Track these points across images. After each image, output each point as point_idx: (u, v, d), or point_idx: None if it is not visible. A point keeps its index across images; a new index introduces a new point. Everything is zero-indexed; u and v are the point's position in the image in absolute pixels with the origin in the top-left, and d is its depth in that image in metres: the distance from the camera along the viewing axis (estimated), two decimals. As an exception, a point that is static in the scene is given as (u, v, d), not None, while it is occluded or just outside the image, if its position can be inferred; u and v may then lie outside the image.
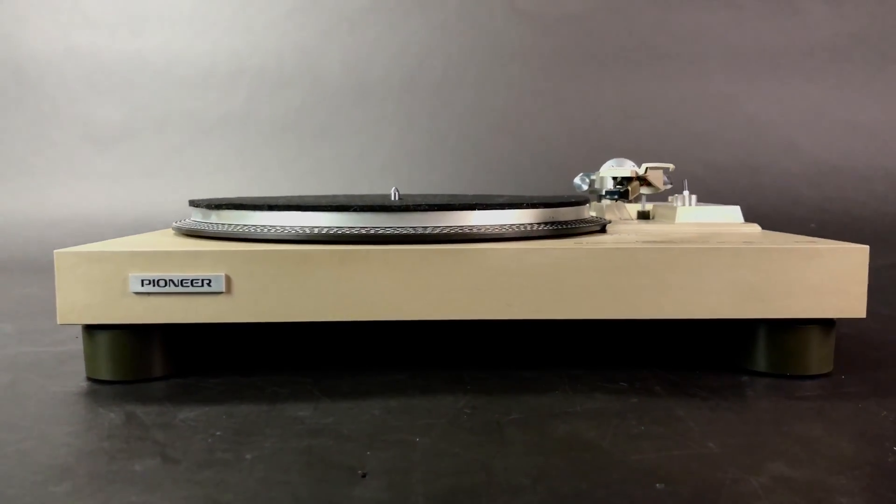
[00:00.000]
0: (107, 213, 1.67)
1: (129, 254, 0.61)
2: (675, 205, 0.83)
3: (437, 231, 0.66)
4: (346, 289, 0.62)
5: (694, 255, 0.63)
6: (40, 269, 1.35)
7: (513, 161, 1.77)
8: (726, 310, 0.64)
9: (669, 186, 0.82)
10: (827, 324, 0.65)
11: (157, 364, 0.65)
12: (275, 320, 0.62)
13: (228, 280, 0.62)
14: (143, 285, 0.61)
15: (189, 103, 1.81)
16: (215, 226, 0.70)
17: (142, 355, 0.64)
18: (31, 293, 1.14)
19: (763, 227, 0.80)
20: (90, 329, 0.64)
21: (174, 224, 0.77)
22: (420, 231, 0.65)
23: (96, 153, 1.79)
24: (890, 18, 1.78)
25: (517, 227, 0.68)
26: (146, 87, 1.81)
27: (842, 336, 0.80)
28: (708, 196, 1.17)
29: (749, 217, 0.82)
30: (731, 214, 0.81)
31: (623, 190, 0.79)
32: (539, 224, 0.70)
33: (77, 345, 0.77)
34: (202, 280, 0.62)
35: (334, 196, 0.91)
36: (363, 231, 0.65)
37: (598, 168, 0.89)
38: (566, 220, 0.74)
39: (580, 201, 0.78)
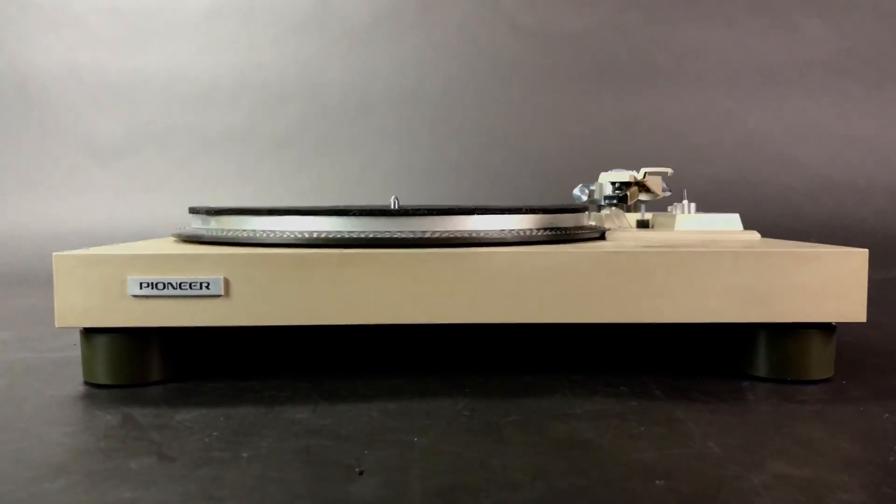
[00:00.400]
0: (108, 227, 1.67)
1: (127, 256, 0.61)
2: (674, 213, 0.83)
3: (437, 236, 0.65)
4: (345, 293, 0.62)
5: (694, 259, 0.63)
6: (41, 282, 1.35)
7: (513, 176, 1.77)
8: (726, 314, 0.63)
9: (668, 194, 0.82)
10: (827, 328, 0.65)
11: (154, 368, 0.65)
12: (273, 324, 0.62)
13: (227, 283, 0.62)
14: (141, 288, 0.61)
15: (191, 118, 1.82)
16: (215, 231, 0.70)
17: (139, 359, 0.64)
18: (31, 303, 1.14)
19: (763, 237, 0.79)
20: (88, 333, 0.63)
21: (174, 232, 0.77)
22: (419, 235, 0.65)
23: (98, 168, 1.79)
24: (887, 35, 1.79)
25: (516, 233, 0.68)
26: (148, 102, 1.82)
27: (843, 344, 0.79)
28: (708, 211, 1.17)
29: (749, 230, 0.82)
30: (730, 222, 0.81)
31: (622, 195, 0.79)
32: (538, 230, 0.70)
33: (75, 351, 0.77)
34: (200, 283, 0.61)
35: (334, 206, 0.91)
36: (362, 235, 0.65)
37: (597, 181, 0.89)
38: (565, 226, 0.74)
39: (579, 209, 0.78)
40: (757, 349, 0.66)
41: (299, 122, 1.82)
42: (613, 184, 0.79)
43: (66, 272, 0.61)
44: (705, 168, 1.74)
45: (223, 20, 1.85)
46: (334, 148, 1.80)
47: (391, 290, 0.62)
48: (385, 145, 1.81)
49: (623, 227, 0.86)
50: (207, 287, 0.61)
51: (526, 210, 0.71)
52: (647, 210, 0.90)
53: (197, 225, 0.76)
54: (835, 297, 0.63)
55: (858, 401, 0.59)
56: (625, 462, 0.46)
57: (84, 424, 0.54)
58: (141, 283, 0.61)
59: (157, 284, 0.61)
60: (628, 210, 0.91)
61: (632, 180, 0.78)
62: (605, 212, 0.88)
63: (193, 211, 0.77)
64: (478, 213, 0.68)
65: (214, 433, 0.51)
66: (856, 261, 0.63)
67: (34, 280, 1.40)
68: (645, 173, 0.77)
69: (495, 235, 0.67)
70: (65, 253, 0.62)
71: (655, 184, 0.78)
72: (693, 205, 0.83)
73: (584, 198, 0.93)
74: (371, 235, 0.65)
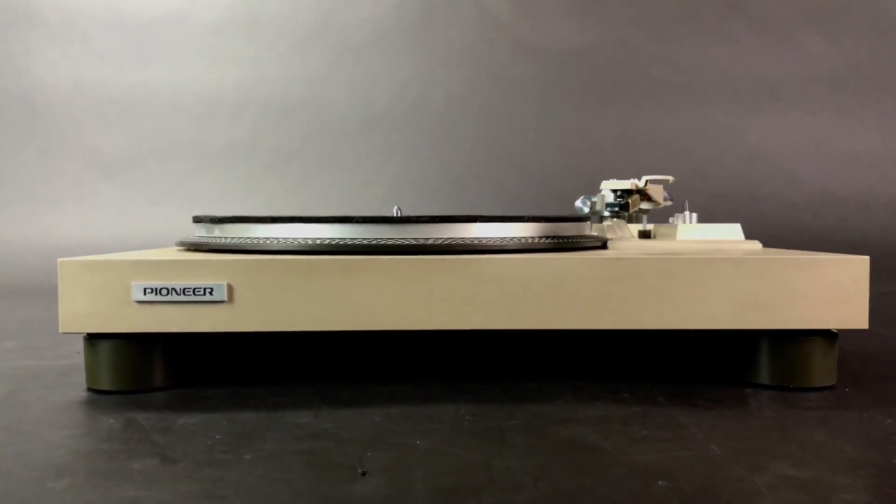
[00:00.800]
0: (112, 241, 1.67)
1: (131, 262, 0.62)
2: (676, 224, 0.83)
3: (439, 243, 0.66)
4: (348, 299, 0.62)
5: (695, 266, 0.63)
6: (45, 294, 1.35)
7: (515, 190, 1.78)
8: (728, 320, 0.63)
9: (670, 203, 0.83)
10: (830, 336, 0.65)
11: (157, 374, 0.65)
12: (276, 330, 0.62)
13: (230, 289, 0.62)
14: (145, 294, 0.61)
15: (195, 133, 1.83)
16: (219, 239, 0.71)
17: (143, 365, 0.64)
18: (35, 315, 1.14)
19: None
20: (92, 338, 0.64)
21: (178, 240, 0.77)
22: (422, 242, 0.65)
23: (103, 182, 1.80)
24: (886, 51, 1.80)
25: (518, 240, 0.68)
26: (153, 117, 1.83)
27: (845, 353, 0.79)
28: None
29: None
30: (731, 232, 0.81)
31: (623, 202, 0.79)
32: (540, 238, 0.70)
33: (78, 359, 0.77)
34: (204, 289, 0.62)
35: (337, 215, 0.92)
36: (365, 242, 0.65)
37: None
38: (567, 234, 0.74)
39: (581, 219, 0.79)
40: (759, 357, 0.66)
41: (303, 136, 1.83)
42: (615, 192, 0.80)
43: (70, 278, 0.61)
44: (706, 183, 1.75)
45: (228, 36, 1.86)
46: (338, 162, 1.81)
47: (394, 296, 0.62)
48: (388, 160, 1.82)
49: (625, 237, 0.86)
50: (211, 293, 0.62)
51: (528, 218, 0.71)
52: (649, 221, 0.90)
53: (201, 233, 0.76)
54: (836, 304, 0.63)
55: (861, 407, 0.59)
56: (627, 463, 0.46)
57: (87, 428, 0.54)
58: (145, 289, 0.61)
59: (160, 290, 0.61)
60: (630, 220, 0.91)
61: (633, 188, 0.78)
62: (607, 223, 0.89)
63: (197, 220, 0.78)
64: (480, 221, 0.68)
65: (217, 436, 0.51)
66: (857, 268, 0.64)
67: (38, 292, 1.40)
68: (646, 181, 0.77)
69: (497, 243, 0.67)
70: (70, 259, 0.62)
71: (657, 192, 0.79)
72: (695, 215, 0.84)
73: (587, 210, 0.93)
74: (374, 242, 0.65)
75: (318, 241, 0.66)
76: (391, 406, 0.59)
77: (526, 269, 0.63)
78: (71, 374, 0.71)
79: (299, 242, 0.66)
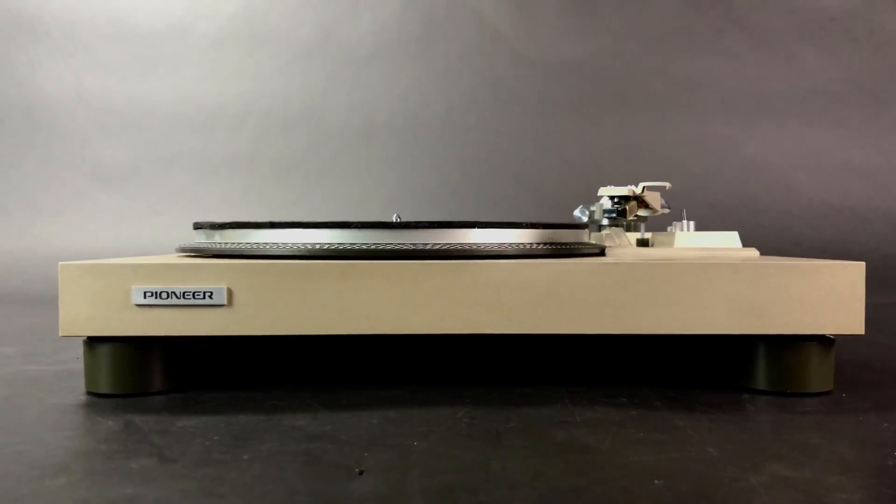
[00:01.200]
0: (112, 250, 1.68)
1: (131, 266, 0.62)
2: (674, 232, 0.83)
3: (438, 248, 0.66)
4: (347, 303, 0.62)
5: (692, 271, 0.64)
6: (45, 302, 1.36)
7: (513, 200, 1.79)
8: (724, 326, 0.64)
9: (667, 210, 0.83)
10: (826, 341, 0.65)
11: (156, 378, 0.65)
12: (276, 333, 0.63)
13: (230, 293, 0.62)
14: (145, 297, 0.62)
15: (196, 144, 1.84)
16: (219, 245, 0.71)
17: (142, 369, 0.64)
18: (35, 322, 1.15)
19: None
20: (91, 342, 0.64)
21: (179, 246, 0.78)
22: (420, 247, 0.66)
23: (104, 192, 1.81)
24: (883, 64, 1.82)
25: (516, 246, 0.69)
26: (154, 128, 1.84)
27: (842, 360, 0.80)
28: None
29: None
30: (729, 240, 0.82)
31: (621, 209, 0.80)
32: (538, 244, 0.71)
33: (77, 364, 0.77)
34: (204, 293, 0.62)
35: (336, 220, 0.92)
36: (364, 246, 0.65)
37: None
38: (565, 241, 0.74)
39: (579, 226, 0.79)
40: (756, 362, 0.66)
41: (303, 148, 1.84)
42: (612, 198, 0.80)
43: (70, 281, 0.62)
44: (704, 194, 1.75)
45: (229, 48, 1.88)
46: (337, 173, 1.82)
47: (392, 300, 0.62)
48: (387, 171, 1.83)
49: (623, 245, 0.87)
50: (210, 297, 0.62)
51: (526, 225, 0.72)
52: (647, 230, 0.91)
53: (201, 240, 0.77)
54: (833, 309, 0.64)
55: (857, 412, 0.59)
56: (623, 464, 0.46)
57: (86, 429, 0.54)
58: (145, 293, 0.62)
59: (160, 294, 0.62)
60: (628, 229, 0.92)
61: (631, 194, 0.79)
62: (605, 231, 0.89)
63: (198, 226, 0.78)
64: (478, 227, 0.69)
65: (215, 437, 0.52)
66: (853, 274, 0.64)
67: (39, 300, 1.40)
68: (644, 188, 0.78)
69: (495, 248, 0.67)
70: (70, 262, 0.62)
71: (654, 199, 0.79)
72: (692, 223, 0.84)
73: (585, 219, 0.94)
74: (372, 247, 0.65)
75: (317, 246, 0.66)
76: (389, 409, 0.59)
77: (524, 274, 0.63)
78: (70, 378, 0.72)
79: (298, 247, 0.67)
